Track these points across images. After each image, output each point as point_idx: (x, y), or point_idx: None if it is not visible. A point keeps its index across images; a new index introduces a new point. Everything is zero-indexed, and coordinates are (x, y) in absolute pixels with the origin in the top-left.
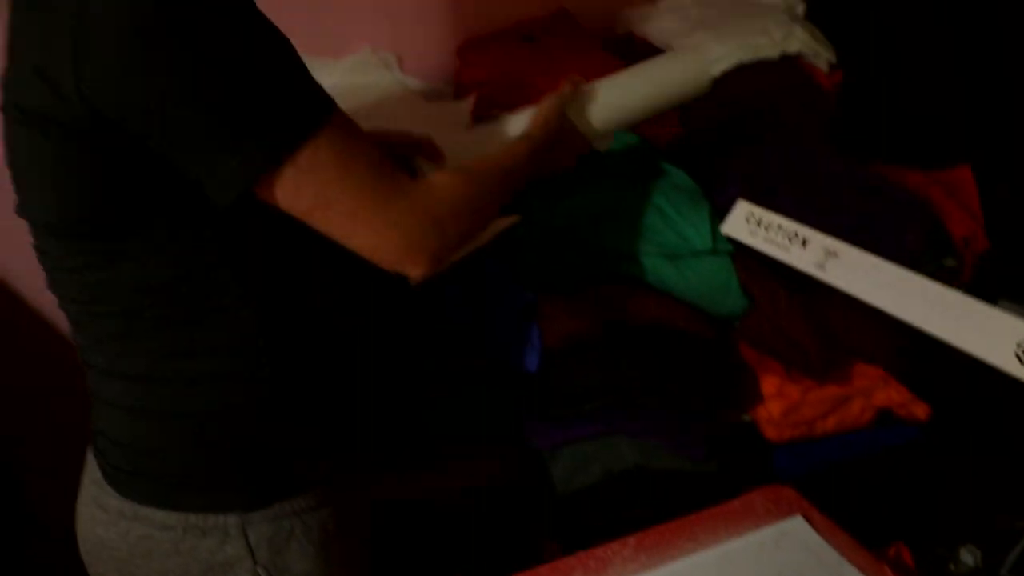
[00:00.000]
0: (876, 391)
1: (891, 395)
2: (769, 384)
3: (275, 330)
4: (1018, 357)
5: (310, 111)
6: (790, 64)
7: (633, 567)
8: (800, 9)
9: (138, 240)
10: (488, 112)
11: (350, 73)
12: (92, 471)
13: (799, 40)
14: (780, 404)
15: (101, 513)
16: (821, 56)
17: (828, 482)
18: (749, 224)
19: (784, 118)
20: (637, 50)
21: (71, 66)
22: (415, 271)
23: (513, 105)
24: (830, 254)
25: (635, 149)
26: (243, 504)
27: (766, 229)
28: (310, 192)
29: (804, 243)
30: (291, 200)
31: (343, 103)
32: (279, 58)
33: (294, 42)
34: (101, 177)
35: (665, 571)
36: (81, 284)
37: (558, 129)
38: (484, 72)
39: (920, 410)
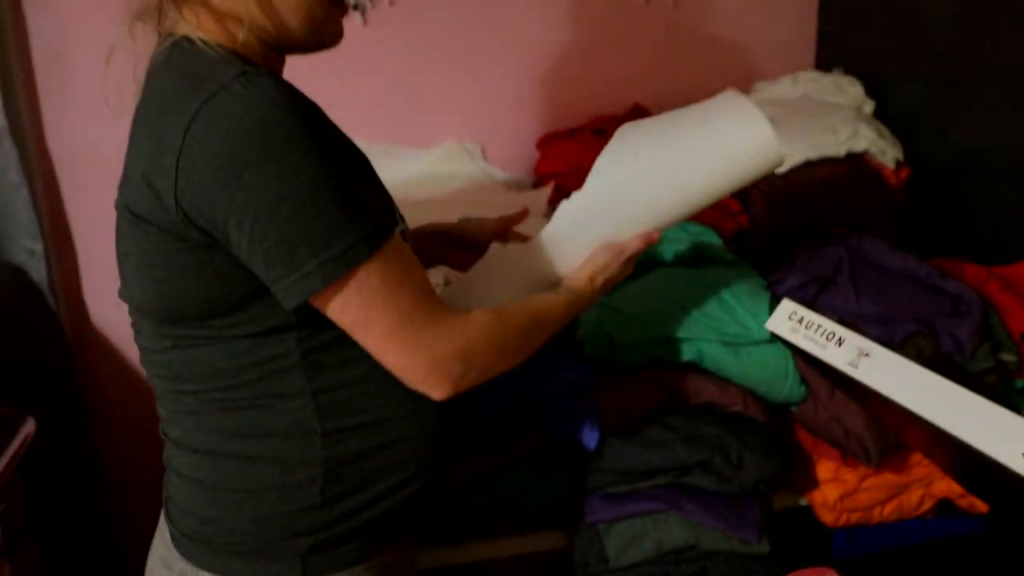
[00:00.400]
0: (936, 482)
1: (951, 486)
2: (825, 469)
3: (331, 419)
4: None
5: (364, 240)
6: (856, 161)
7: None
8: (869, 108)
9: (219, 329)
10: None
11: (438, 161)
12: (163, 534)
13: (865, 138)
14: (836, 489)
15: (167, 572)
16: (888, 153)
17: (885, 566)
18: (791, 322)
19: (848, 212)
20: None
21: (173, 181)
22: (436, 394)
23: None
24: (863, 354)
25: (701, 239)
26: None
27: (806, 327)
28: (354, 310)
29: (840, 342)
30: (337, 314)
31: (432, 188)
32: (344, 189)
33: (390, 133)
34: (192, 272)
35: None
36: (167, 363)
37: (603, 288)
38: (560, 164)
39: (980, 503)
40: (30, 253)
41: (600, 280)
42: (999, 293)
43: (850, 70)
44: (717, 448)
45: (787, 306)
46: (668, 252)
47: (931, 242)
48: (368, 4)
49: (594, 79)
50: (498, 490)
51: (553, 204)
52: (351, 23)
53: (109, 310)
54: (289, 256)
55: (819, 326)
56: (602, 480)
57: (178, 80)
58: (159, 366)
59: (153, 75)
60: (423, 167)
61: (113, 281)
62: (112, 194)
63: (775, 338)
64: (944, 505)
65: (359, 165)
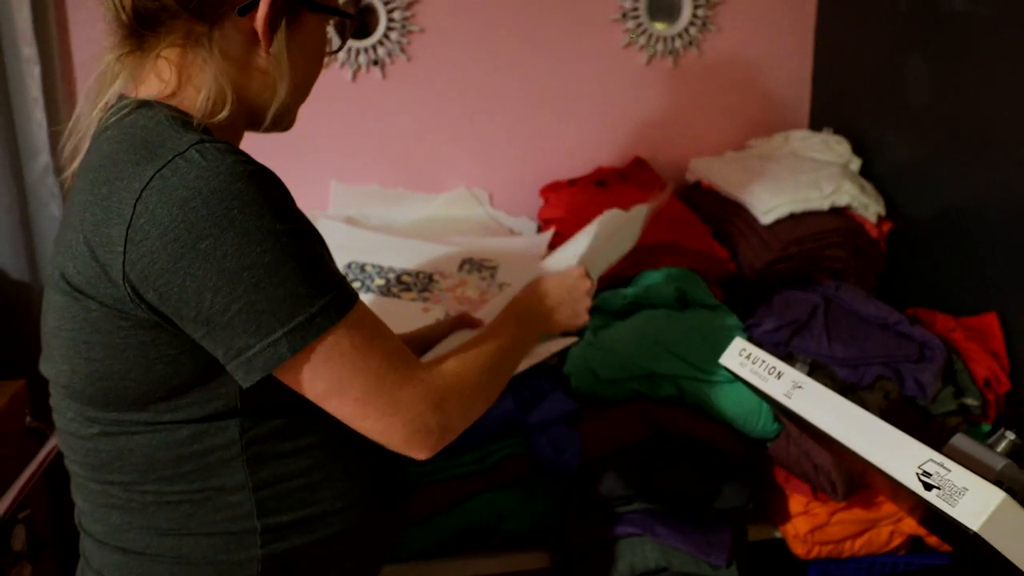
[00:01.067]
0: (904, 519)
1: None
2: (797, 503)
3: (271, 514)
4: (917, 476)
5: (331, 305)
6: (838, 214)
7: None
8: (855, 165)
9: (157, 414)
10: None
11: (447, 206)
12: None
13: (848, 194)
14: (807, 522)
15: None
16: (870, 208)
17: None
18: (740, 357)
19: (831, 262)
20: (703, 198)
21: (121, 252)
22: (420, 455)
23: None
24: (796, 386)
25: (685, 284)
26: None
27: (752, 362)
28: (325, 378)
29: (779, 376)
30: (308, 384)
31: (441, 230)
32: (306, 257)
33: (403, 179)
34: (133, 353)
35: None
36: (93, 450)
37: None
38: (561, 211)
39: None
40: None
41: (524, 317)
42: (965, 341)
43: (840, 130)
44: (691, 478)
45: (738, 344)
46: (654, 296)
47: (909, 292)
48: (387, 61)
49: (597, 133)
50: (485, 511)
51: (552, 247)
52: (372, 77)
53: None
54: (255, 325)
55: (763, 361)
56: (582, 504)
57: (129, 146)
58: (82, 453)
59: (101, 137)
60: (433, 210)
61: None
62: None
63: (727, 371)
64: (916, 542)
65: (318, 236)
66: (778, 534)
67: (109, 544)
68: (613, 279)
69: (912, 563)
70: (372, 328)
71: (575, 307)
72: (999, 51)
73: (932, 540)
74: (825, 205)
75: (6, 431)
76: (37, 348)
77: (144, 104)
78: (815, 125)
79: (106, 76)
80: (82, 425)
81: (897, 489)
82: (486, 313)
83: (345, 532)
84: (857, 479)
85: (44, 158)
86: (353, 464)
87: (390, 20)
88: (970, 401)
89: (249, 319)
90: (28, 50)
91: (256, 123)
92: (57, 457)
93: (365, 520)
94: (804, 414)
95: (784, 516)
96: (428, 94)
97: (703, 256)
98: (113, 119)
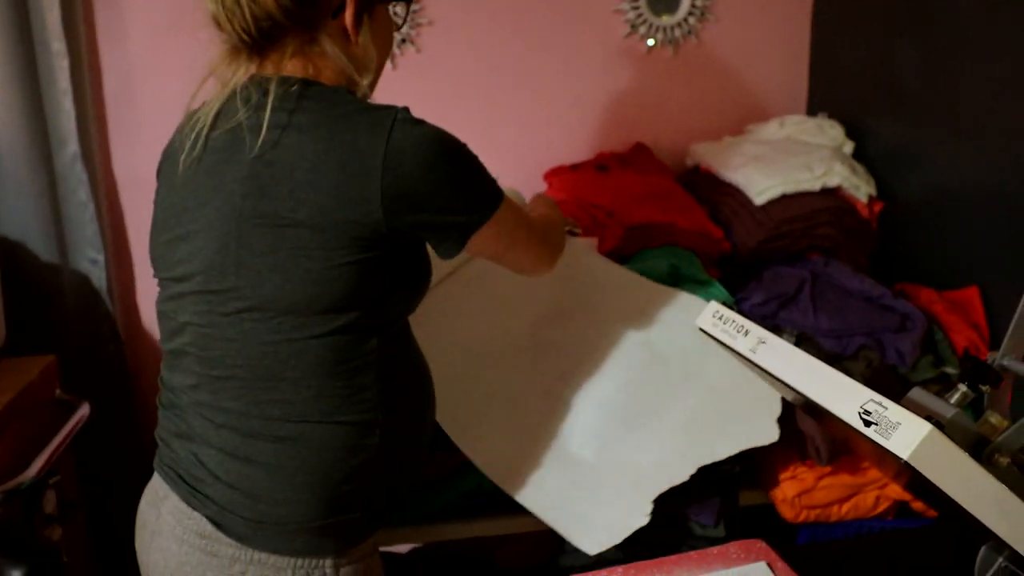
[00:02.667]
0: (890, 484)
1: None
2: (785, 468)
3: (387, 411)
4: (859, 415)
5: (497, 194)
6: (829, 195)
7: None
8: (848, 148)
9: (331, 323)
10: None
11: None
12: (193, 524)
13: (839, 175)
14: (794, 486)
15: (213, 559)
16: (861, 189)
17: (832, 550)
18: (714, 319)
19: (822, 241)
20: (701, 181)
21: (380, 179)
22: (550, 270)
23: (580, 219)
24: (761, 342)
25: (680, 262)
26: (336, 551)
27: (724, 323)
28: (504, 239)
29: (746, 334)
30: (491, 246)
31: None
32: (484, 171)
33: None
34: (340, 270)
35: None
36: (272, 353)
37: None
38: (564, 193)
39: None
40: (93, 262)
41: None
42: (945, 313)
43: (835, 115)
44: None
45: (712, 307)
46: (649, 272)
47: (899, 269)
48: (398, 52)
49: (599, 119)
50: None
51: None
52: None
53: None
54: (463, 208)
55: (733, 321)
56: None
57: (348, 108)
58: (258, 357)
59: (298, 107)
60: None
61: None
62: None
63: (702, 332)
64: (902, 508)
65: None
66: (768, 499)
67: (261, 435)
68: (614, 258)
69: (898, 528)
70: (516, 205)
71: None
72: (989, 37)
73: (917, 505)
74: (816, 186)
75: (38, 402)
76: (67, 326)
77: (312, 82)
78: (811, 111)
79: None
80: (268, 333)
81: (881, 455)
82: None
83: (419, 435)
84: (841, 445)
85: (73, 147)
86: (423, 378)
87: None
88: (949, 370)
89: (461, 206)
90: (58, 44)
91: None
92: (85, 427)
93: (427, 427)
94: (767, 367)
95: (773, 481)
96: (436, 84)
97: (699, 236)
98: (294, 94)
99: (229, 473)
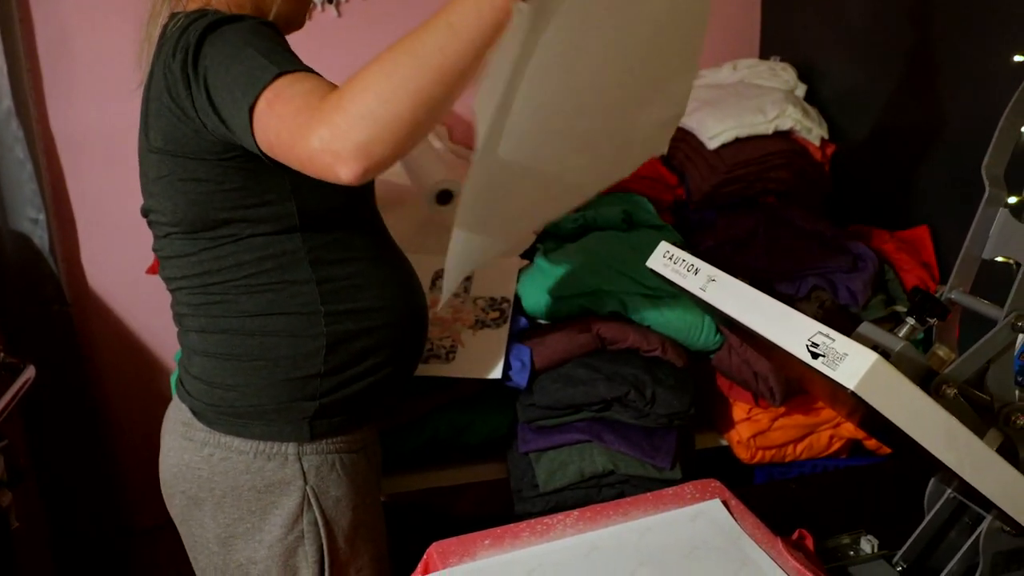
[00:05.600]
0: (843, 423)
1: (857, 428)
2: (740, 410)
3: (331, 302)
4: (807, 347)
5: (269, 72)
6: (782, 138)
7: (571, 531)
8: (800, 91)
9: (240, 230)
10: None
11: None
12: (180, 414)
13: (791, 118)
14: (749, 428)
15: (189, 443)
16: (813, 131)
17: (786, 488)
18: (665, 259)
19: (776, 184)
20: None
21: (189, 96)
22: (345, 172)
23: None
24: (711, 280)
25: (633, 207)
26: (299, 437)
27: (675, 263)
28: (272, 128)
29: (696, 272)
30: (263, 139)
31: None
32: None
33: None
34: (212, 187)
35: (595, 534)
36: (197, 262)
37: None
38: None
39: None
40: (33, 222)
41: None
42: (896, 252)
43: (787, 58)
44: (633, 386)
45: (662, 247)
46: (602, 219)
47: (851, 211)
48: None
49: None
50: (443, 425)
51: None
52: (327, 15)
53: (103, 272)
54: (237, 99)
55: (683, 260)
56: (533, 415)
57: (177, 34)
58: (189, 267)
59: (168, 41)
60: None
61: (107, 246)
62: (106, 170)
63: (653, 273)
64: (856, 447)
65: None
66: (724, 441)
67: (210, 330)
68: None
69: (851, 466)
70: (298, 83)
71: None
72: None
73: (870, 444)
74: (769, 129)
75: None
76: (8, 287)
77: (201, 11)
78: (764, 54)
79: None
80: (187, 247)
81: (834, 393)
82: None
83: (384, 326)
84: (795, 386)
85: (6, 102)
86: (387, 275)
87: None
88: (900, 308)
89: (234, 98)
90: None
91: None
92: (32, 390)
93: (398, 320)
94: (717, 304)
95: (728, 424)
96: (383, 32)
97: (652, 181)
98: (181, 22)
99: (195, 366)
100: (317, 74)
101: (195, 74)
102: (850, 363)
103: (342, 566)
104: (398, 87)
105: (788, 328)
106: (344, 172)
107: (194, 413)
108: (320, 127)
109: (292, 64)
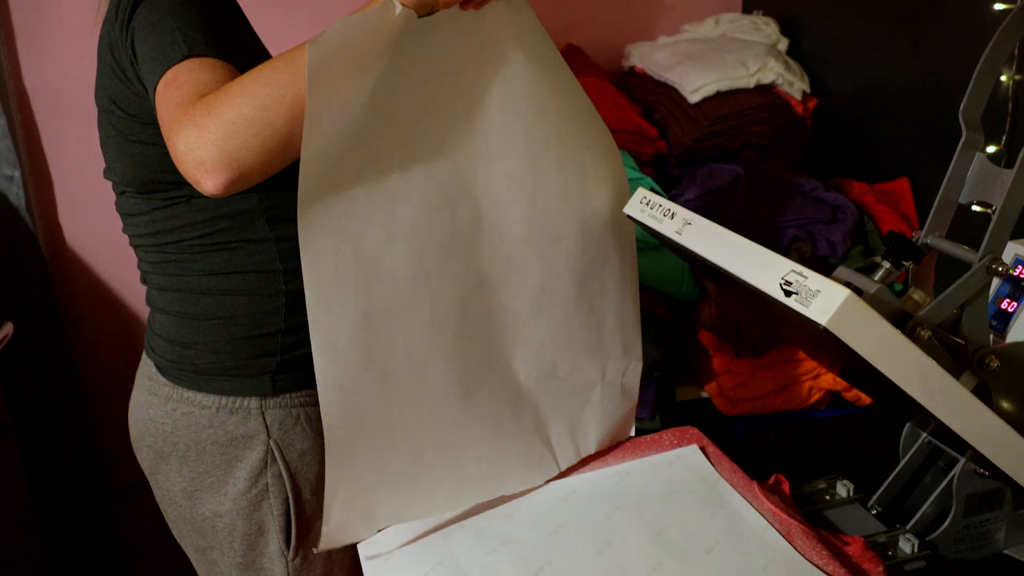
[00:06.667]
0: (822, 375)
1: (836, 379)
2: (720, 362)
3: (290, 260)
4: (780, 286)
5: (177, 51)
6: (764, 91)
7: (552, 478)
8: (783, 46)
9: (191, 191)
10: None
11: None
12: (147, 368)
13: (773, 71)
14: (730, 380)
15: (153, 398)
16: (795, 85)
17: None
18: (641, 204)
19: (758, 137)
20: (637, 82)
21: (129, 55)
22: (209, 183)
23: None
24: (687, 223)
25: None
26: (262, 392)
27: (651, 208)
28: (159, 114)
29: (672, 216)
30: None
31: None
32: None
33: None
34: (159, 151)
35: (573, 479)
36: (151, 222)
37: None
38: None
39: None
40: (9, 179)
41: None
42: (875, 204)
43: (769, 12)
44: None
45: (639, 193)
46: None
47: (833, 164)
48: None
49: None
50: None
51: None
52: None
53: (81, 228)
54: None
55: (660, 205)
56: None
57: None
58: (144, 227)
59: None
60: None
61: (84, 202)
62: (81, 125)
63: (630, 219)
64: (835, 398)
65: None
66: (704, 393)
67: (169, 288)
68: None
69: (830, 416)
70: (197, 71)
71: None
72: None
73: (849, 396)
74: (751, 83)
75: None
76: None
77: None
78: (747, 8)
79: None
80: (142, 206)
81: (815, 341)
82: None
83: None
84: (776, 337)
85: None
86: None
87: None
88: (879, 259)
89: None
90: None
91: None
92: (9, 348)
93: None
94: (692, 247)
95: (709, 376)
96: None
97: (632, 135)
98: None
99: (157, 323)
100: (228, 63)
101: (127, 36)
102: (822, 299)
103: (308, 518)
104: (275, 94)
105: (762, 267)
106: (207, 183)
107: (158, 368)
108: (187, 128)
109: (206, 45)
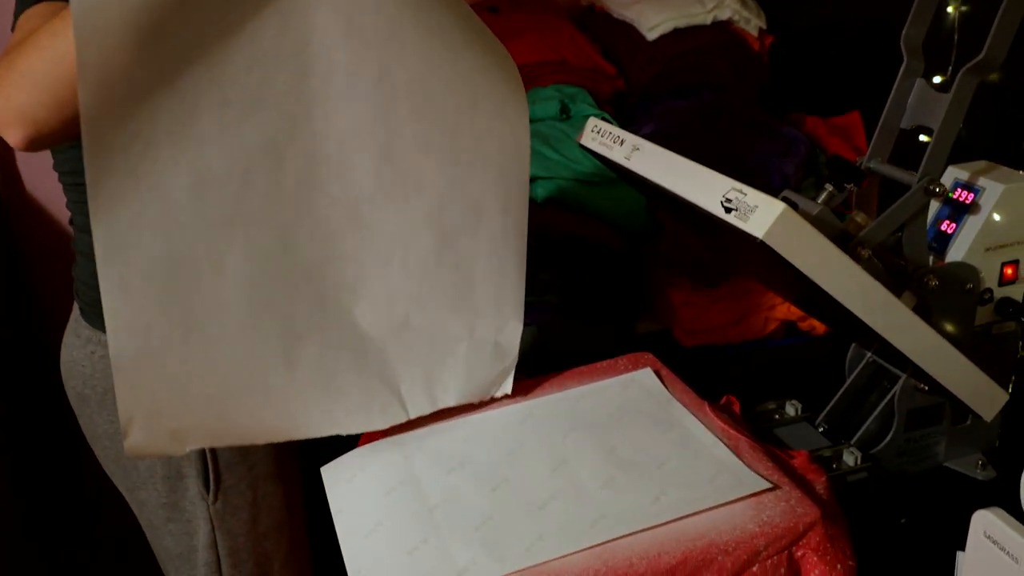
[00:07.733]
0: (777, 306)
1: (791, 309)
2: (678, 296)
3: None
4: (721, 204)
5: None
6: (721, 28)
7: (509, 402)
8: None
9: None
10: None
11: None
12: (75, 311)
13: (730, 8)
14: (688, 312)
15: (76, 339)
16: (752, 22)
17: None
18: (593, 133)
19: (716, 75)
20: (596, 20)
21: None
22: (11, 137)
23: None
24: (635, 149)
25: (571, 98)
26: None
27: (602, 136)
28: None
29: (622, 143)
30: None
31: None
32: None
33: None
34: None
35: (529, 403)
36: (67, 161)
37: None
38: None
39: (820, 324)
40: None
41: None
42: (828, 136)
43: None
44: (574, 275)
45: (591, 122)
46: (539, 110)
47: (789, 100)
48: None
49: None
50: None
51: None
52: None
53: (40, 178)
54: None
55: (610, 133)
56: None
57: None
58: (65, 164)
59: None
60: None
61: (44, 153)
62: None
63: (583, 148)
64: (790, 328)
65: None
66: (663, 326)
67: (85, 230)
68: None
69: (783, 344)
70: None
71: None
72: None
73: (804, 326)
74: (708, 20)
75: None
76: None
77: None
78: None
79: None
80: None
81: (768, 270)
82: None
83: None
84: (731, 269)
85: None
86: None
87: None
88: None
89: None
90: None
91: None
92: None
93: None
94: (640, 171)
95: (669, 309)
96: None
97: (590, 72)
98: None
99: (79, 266)
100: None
101: None
102: (760, 214)
103: (225, 465)
104: (61, 45)
105: (704, 187)
106: (9, 138)
107: (80, 312)
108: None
109: None
